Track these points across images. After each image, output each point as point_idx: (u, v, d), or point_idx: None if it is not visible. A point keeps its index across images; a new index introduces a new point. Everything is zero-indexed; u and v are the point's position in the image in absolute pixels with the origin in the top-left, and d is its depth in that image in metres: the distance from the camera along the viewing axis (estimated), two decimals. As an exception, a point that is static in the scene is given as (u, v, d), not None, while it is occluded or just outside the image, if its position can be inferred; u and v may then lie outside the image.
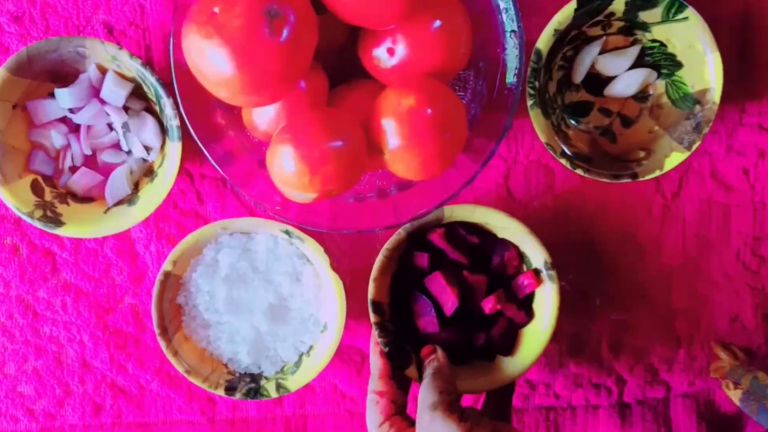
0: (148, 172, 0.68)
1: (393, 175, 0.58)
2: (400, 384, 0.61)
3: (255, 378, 0.68)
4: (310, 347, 0.68)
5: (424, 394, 0.55)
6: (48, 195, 0.66)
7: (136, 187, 0.68)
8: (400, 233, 0.62)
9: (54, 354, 0.73)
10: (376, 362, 0.60)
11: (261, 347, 0.67)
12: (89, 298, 0.72)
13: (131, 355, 0.73)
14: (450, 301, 0.62)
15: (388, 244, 0.62)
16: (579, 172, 0.65)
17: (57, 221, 0.65)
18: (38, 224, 0.64)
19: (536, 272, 0.65)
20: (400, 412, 0.59)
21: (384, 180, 0.62)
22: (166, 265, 0.65)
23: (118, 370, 0.73)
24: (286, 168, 0.52)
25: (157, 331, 0.65)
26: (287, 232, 0.64)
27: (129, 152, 0.67)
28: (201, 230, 0.64)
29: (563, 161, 0.64)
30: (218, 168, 0.55)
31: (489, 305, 0.64)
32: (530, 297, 0.66)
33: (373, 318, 0.62)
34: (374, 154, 0.55)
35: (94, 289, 0.72)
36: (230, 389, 0.66)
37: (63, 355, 0.73)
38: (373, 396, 0.58)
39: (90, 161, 0.68)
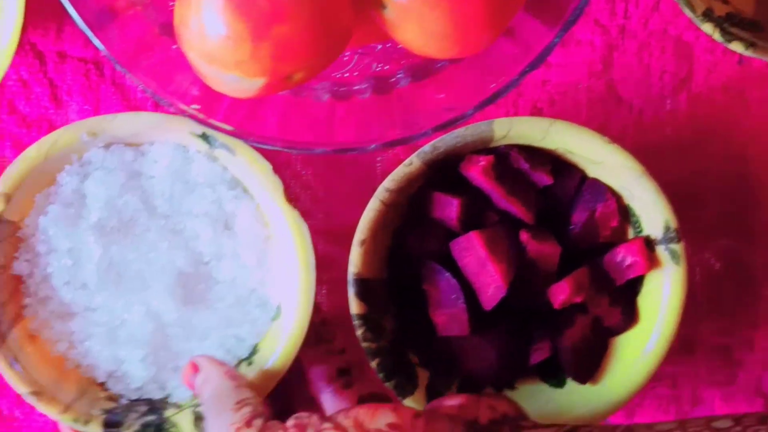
0: None
1: (401, 52, 0.53)
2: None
3: (155, 406, 0.57)
4: (254, 348, 0.57)
5: None
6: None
7: None
8: (411, 162, 0.56)
9: None
10: (220, 373, 0.53)
11: (165, 350, 0.56)
12: None
13: None
14: (493, 285, 0.55)
15: (389, 181, 0.56)
16: (736, 48, 0.58)
17: None
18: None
19: (649, 243, 0.58)
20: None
21: (385, 61, 0.55)
22: None
23: None
24: (211, 30, 0.46)
25: None
26: (205, 138, 0.55)
27: None
28: (51, 138, 0.54)
29: (708, 29, 0.58)
30: (92, 36, 0.49)
31: (562, 295, 0.57)
32: (635, 285, 0.59)
33: (355, 306, 0.56)
34: (368, 11, 0.50)
35: None
36: (112, 425, 0.56)
37: None
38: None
39: None
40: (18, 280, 0.56)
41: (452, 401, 0.49)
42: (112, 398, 0.57)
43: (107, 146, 0.56)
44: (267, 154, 0.57)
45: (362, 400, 0.53)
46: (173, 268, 0.55)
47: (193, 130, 0.54)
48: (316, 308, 0.55)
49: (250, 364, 0.56)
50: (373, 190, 0.57)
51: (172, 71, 0.50)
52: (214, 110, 0.50)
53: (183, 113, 0.50)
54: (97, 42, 0.48)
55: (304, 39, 0.46)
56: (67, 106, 0.61)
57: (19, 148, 0.61)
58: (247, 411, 0.49)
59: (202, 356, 0.54)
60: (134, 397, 0.56)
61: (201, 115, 0.50)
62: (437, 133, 0.50)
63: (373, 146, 0.50)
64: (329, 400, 0.54)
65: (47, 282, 0.56)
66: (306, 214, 0.56)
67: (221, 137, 0.54)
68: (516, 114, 0.61)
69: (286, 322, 0.55)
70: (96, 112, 0.61)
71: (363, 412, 0.46)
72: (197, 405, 0.56)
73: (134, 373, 0.55)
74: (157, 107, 0.60)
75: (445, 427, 0.46)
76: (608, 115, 0.63)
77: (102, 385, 0.56)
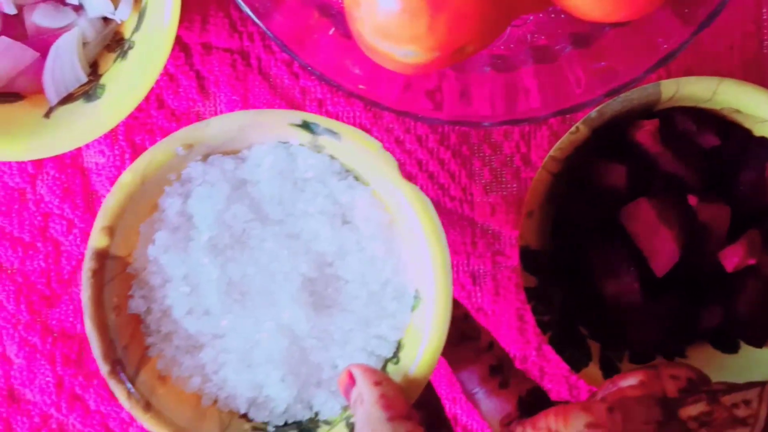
0: (115, 42, 0.60)
1: (554, 22, 0.54)
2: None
3: (305, 427, 0.54)
4: (398, 344, 0.53)
5: None
6: (-61, 94, 0.59)
7: (94, 69, 0.59)
8: (577, 129, 0.56)
9: (-43, 381, 0.66)
10: (374, 397, 0.49)
11: (305, 365, 0.53)
12: (15, 279, 0.64)
13: (93, 375, 0.63)
14: (666, 251, 0.55)
15: (556, 150, 0.56)
16: None
17: None
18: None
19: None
20: None
21: (544, 31, 0.55)
22: (96, 240, 0.52)
23: (70, 406, 0.64)
24: (386, 6, 0.46)
25: (103, 369, 0.51)
26: (306, 126, 0.51)
27: (79, 8, 0.59)
28: (145, 158, 0.52)
29: None
30: (260, 23, 0.50)
31: (734, 258, 0.56)
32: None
33: (527, 280, 0.57)
34: (534, -20, 0.52)
35: (23, 262, 0.63)
36: None
37: None
38: None
39: (12, 26, 0.59)
40: (136, 319, 0.54)
41: (631, 381, 0.47)
42: (258, 428, 0.54)
43: (205, 158, 0.53)
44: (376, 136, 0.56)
45: (522, 400, 0.51)
46: (297, 275, 0.52)
47: (292, 120, 0.51)
48: (455, 304, 0.53)
49: (396, 363, 0.53)
50: (509, 171, 0.59)
51: (335, 53, 0.51)
52: (379, 89, 0.50)
53: (350, 94, 0.50)
54: (265, 28, 0.49)
55: (479, 9, 0.46)
56: (215, 98, 0.61)
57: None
58: None
59: (359, 368, 0.51)
60: (281, 422, 0.54)
61: (367, 100, 0.50)
62: (605, 99, 0.50)
63: (544, 115, 0.50)
64: (485, 403, 0.51)
65: (168, 316, 0.53)
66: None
67: (323, 122, 0.51)
68: (669, 77, 0.59)
69: (427, 310, 0.51)
70: (244, 102, 0.61)
71: (553, 419, 0.45)
72: (350, 416, 0.55)
73: (276, 396, 0.52)
74: (304, 96, 0.60)
75: (642, 413, 0.45)
76: (763, 75, 0.62)
77: (245, 416, 0.54)
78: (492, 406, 0.51)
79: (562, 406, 0.45)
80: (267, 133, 0.52)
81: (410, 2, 0.45)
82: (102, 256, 0.52)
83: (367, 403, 0.49)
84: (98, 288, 0.52)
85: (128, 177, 0.51)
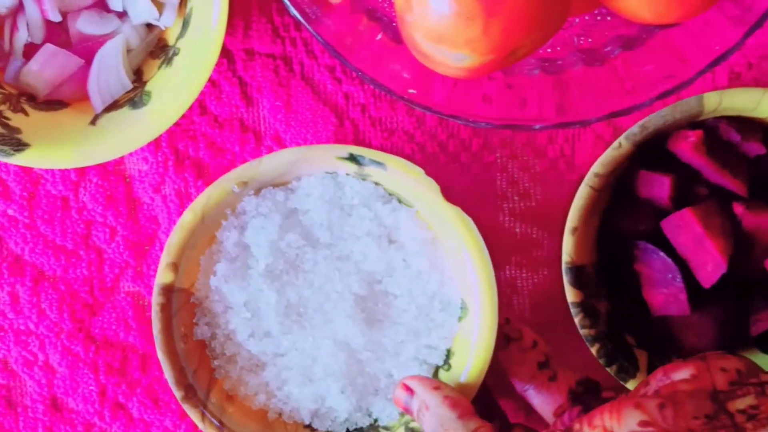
0: (159, 49, 0.59)
1: (601, 24, 0.53)
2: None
3: None
4: (447, 352, 0.56)
5: None
6: (-10, 99, 0.59)
7: (138, 77, 0.59)
8: (619, 144, 0.55)
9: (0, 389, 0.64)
10: (438, 399, 0.51)
11: (362, 376, 0.56)
12: (57, 286, 0.63)
13: (136, 384, 0.63)
14: (712, 262, 0.55)
15: (598, 166, 0.55)
16: None
17: (14, 141, 0.56)
18: (-16, 149, 0.56)
19: None
20: None
21: (590, 33, 0.54)
22: (163, 276, 0.54)
23: (113, 415, 0.63)
24: (440, 10, 0.46)
25: (178, 395, 0.55)
26: (353, 158, 0.54)
27: (123, 14, 0.59)
28: (203, 199, 0.55)
29: None
30: (310, 28, 0.50)
31: None
32: None
33: (571, 295, 0.55)
34: (584, -22, 0.51)
35: (66, 269, 0.62)
36: None
37: (16, 390, 0.64)
38: None
39: (56, 34, 0.59)
40: (202, 345, 0.57)
41: (683, 374, 0.47)
42: (323, 438, 0.57)
43: (257, 192, 0.56)
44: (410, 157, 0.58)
45: (572, 391, 0.52)
46: (349, 294, 0.55)
47: (339, 154, 0.54)
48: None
49: (448, 369, 0.55)
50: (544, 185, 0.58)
51: (383, 58, 0.50)
52: (430, 93, 0.50)
53: (400, 98, 0.50)
54: (315, 34, 0.49)
55: (532, 12, 0.46)
56: (257, 104, 0.60)
57: (212, 149, 0.61)
58: None
59: (414, 379, 0.52)
60: (342, 430, 0.57)
61: (416, 105, 0.50)
62: (657, 102, 0.50)
63: (596, 118, 0.50)
64: (536, 397, 0.53)
65: (231, 339, 0.56)
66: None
67: (369, 154, 0.54)
68: (713, 80, 0.59)
69: (474, 319, 0.54)
70: (287, 108, 0.60)
71: (608, 417, 0.46)
72: (408, 421, 0.56)
73: (338, 406, 0.55)
74: (347, 101, 0.60)
75: (693, 408, 0.45)
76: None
77: (309, 426, 0.57)
78: (544, 399, 0.52)
79: (617, 402, 0.45)
80: (315, 165, 0.55)
81: (464, 5, 0.45)
82: (168, 290, 0.55)
83: (433, 407, 0.50)
84: (167, 320, 0.55)
85: (189, 216, 0.55)
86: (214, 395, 0.56)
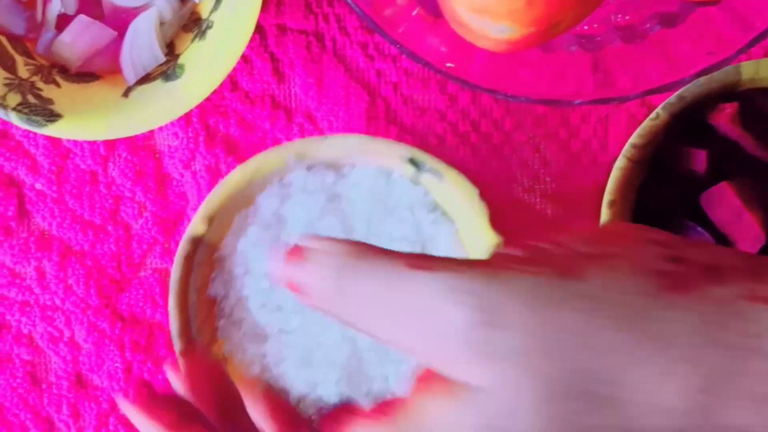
0: (192, 22, 0.59)
1: (646, 1, 0.53)
2: None
3: None
4: None
5: None
6: (22, 69, 0.58)
7: (171, 50, 0.59)
8: (657, 115, 0.54)
9: (24, 365, 0.63)
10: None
11: (359, 374, 0.56)
12: (84, 261, 0.62)
13: (162, 361, 0.63)
14: (751, 235, 0.54)
15: (636, 137, 0.54)
16: None
17: (46, 112, 0.56)
18: (16, 119, 0.55)
19: None
20: None
21: (627, 10, 0.54)
22: (195, 227, 0.55)
23: (139, 392, 0.64)
24: None
25: (178, 347, 0.55)
26: (413, 162, 0.54)
27: None
28: (257, 161, 0.55)
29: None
30: (351, 2, 0.49)
31: None
32: None
33: None
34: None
35: (93, 244, 0.62)
36: None
37: (41, 366, 0.63)
38: None
39: (89, 6, 0.59)
40: (213, 301, 0.57)
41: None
42: (305, 422, 0.57)
43: (309, 168, 0.56)
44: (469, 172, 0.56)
45: None
46: None
47: (402, 154, 0.54)
48: None
49: None
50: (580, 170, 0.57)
51: (421, 32, 0.51)
52: (469, 66, 0.50)
53: (438, 71, 0.49)
54: (355, 6, 0.48)
55: (577, -14, 0.45)
56: (289, 80, 0.60)
57: (242, 125, 0.60)
58: None
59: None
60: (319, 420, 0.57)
61: (453, 77, 0.50)
62: (695, 78, 0.50)
63: (635, 94, 0.50)
64: None
65: (242, 304, 0.56)
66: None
67: (431, 162, 0.54)
68: (750, 53, 0.56)
69: None
70: (319, 85, 0.59)
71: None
72: None
73: (327, 397, 0.56)
74: (379, 78, 0.59)
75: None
76: None
77: (295, 407, 0.57)
78: None
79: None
80: (374, 158, 0.55)
81: (513, -24, 0.44)
82: (197, 242, 0.55)
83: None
84: (187, 271, 0.55)
85: (238, 175, 0.55)
86: (211, 354, 0.57)
